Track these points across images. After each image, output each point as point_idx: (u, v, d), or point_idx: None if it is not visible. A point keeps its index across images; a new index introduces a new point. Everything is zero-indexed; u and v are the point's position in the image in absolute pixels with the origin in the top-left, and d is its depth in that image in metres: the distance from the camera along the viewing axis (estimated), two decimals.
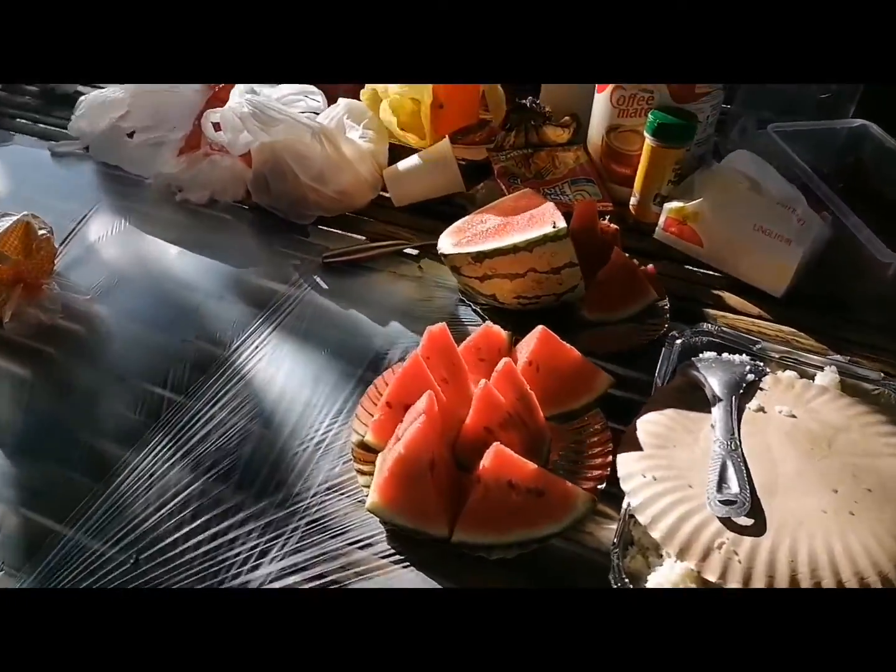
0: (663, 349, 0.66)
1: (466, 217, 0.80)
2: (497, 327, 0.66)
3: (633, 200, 0.88)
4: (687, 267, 0.82)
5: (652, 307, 0.74)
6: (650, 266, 0.77)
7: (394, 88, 0.89)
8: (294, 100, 0.91)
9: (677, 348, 0.66)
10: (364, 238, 0.88)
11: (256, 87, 0.91)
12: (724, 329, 0.67)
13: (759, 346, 0.64)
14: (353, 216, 0.92)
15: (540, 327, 0.62)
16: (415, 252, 0.85)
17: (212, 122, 0.91)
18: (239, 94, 0.88)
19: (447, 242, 0.75)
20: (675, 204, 0.82)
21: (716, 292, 0.79)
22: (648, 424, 0.56)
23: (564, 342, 0.62)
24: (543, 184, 0.92)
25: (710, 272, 0.81)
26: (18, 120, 1.15)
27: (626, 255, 0.76)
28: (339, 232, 0.89)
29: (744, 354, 0.63)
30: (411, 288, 0.80)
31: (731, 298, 0.78)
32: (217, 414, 0.64)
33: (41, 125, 1.14)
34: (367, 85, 0.99)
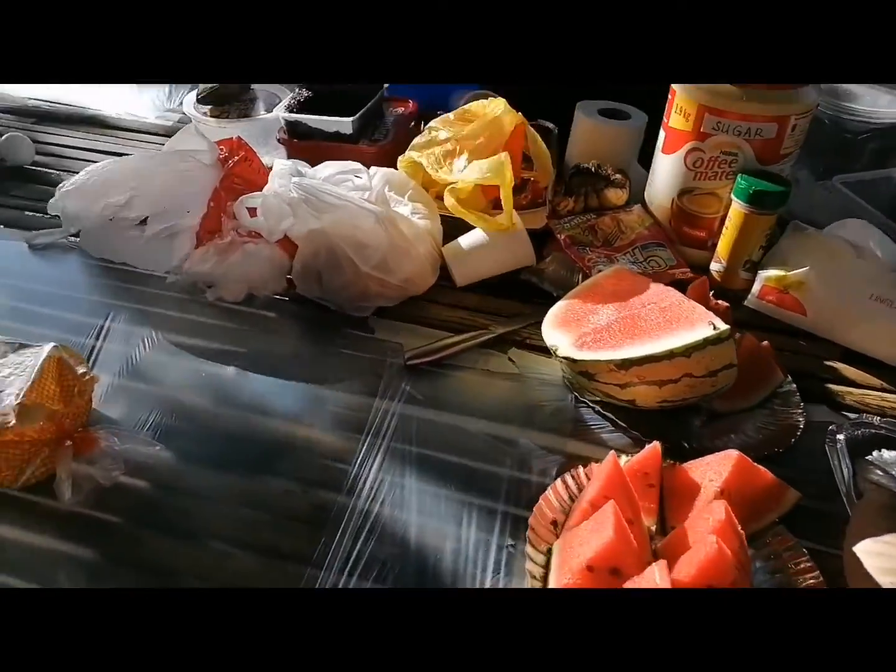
0: (826, 447, 0.62)
1: (564, 303, 0.73)
2: (657, 444, 0.59)
3: (716, 266, 0.83)
4: (789, 337, 0.78)
5: (779, 388, 0.70)
6: (765, 343, 0.72)
7: (465, 178, 0.81)
8: (342, 179, 0.80)
9: (842, 445, 0.61)
10: (435, 329, 0.78)
11: (300, 166, 0.79)
12: (889, 419, 0.63)
13: None
14: (414, 301, 0.82)
15: (735, 454, 0.55)
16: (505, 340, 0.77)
17: (247, 208, 0.78)
18: (281, 177, 0.76)
19: (564, 342, 0.67)
20: (773, 272, 0.77)
21: (829, 363, 0.75)
22: (874, 558, 0.51)
23: (758, 465, 0.55)
24: (613, 251, 0.86)
25: (812, 341, 0.78)
26: None
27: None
28: (407, 324, 0.79)
29: None
30: (514, 389, 0.71)
31: (846, 370, 0.74)
32: (360, 587, 0.53)
33: (3, 209, 0.96)
34: (407, 153, 0.90)
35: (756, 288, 0.79)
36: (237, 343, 0.75)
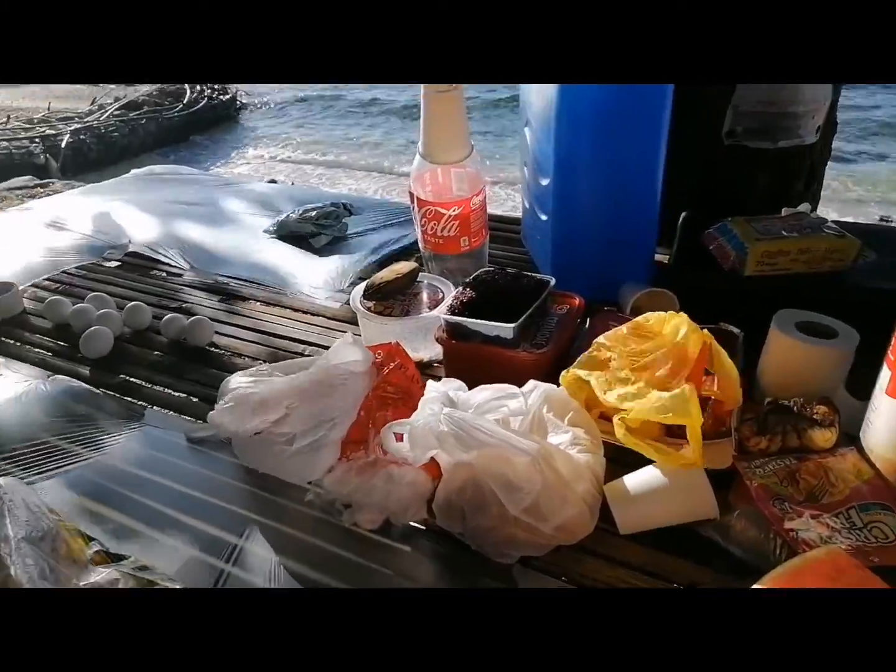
0: None
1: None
2: None
3: None
4: None
5: None
6: None
7: (639, 413, 0.71)
8: (496, 405, 0.74)
9: None
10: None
11: (451, 392, 0.74)
12: None
13: None
14: (567, 549, 0.70)
15: None
16: None
17: (394, 432, 0.74)
18: (431, 404, 0.71)
19: None
20: None
21: None
22: None
23: None
24: (820, 509, 0.69)
25: None
26: (153, 388, 1.03)
27: None
28: (556, 580, 0.68)
29: None
30: None
31: None
32: None
33: (175, 394, 1.01)
34: (572, 368, 0.81)
35: None
36: (366, 583, 0.68)
